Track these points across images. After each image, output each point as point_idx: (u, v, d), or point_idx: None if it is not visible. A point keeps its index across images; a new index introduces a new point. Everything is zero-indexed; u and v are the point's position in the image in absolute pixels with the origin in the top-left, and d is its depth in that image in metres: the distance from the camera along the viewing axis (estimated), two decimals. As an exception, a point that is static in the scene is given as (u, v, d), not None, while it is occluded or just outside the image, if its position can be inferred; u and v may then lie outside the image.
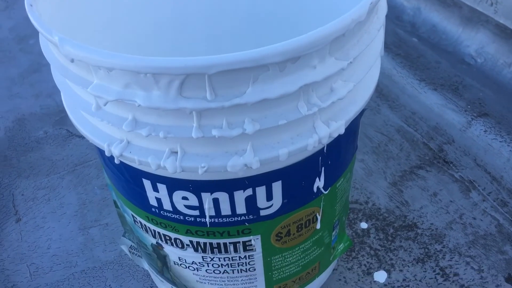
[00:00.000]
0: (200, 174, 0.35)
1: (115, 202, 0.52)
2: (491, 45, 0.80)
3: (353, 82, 0.36)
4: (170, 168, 0.35)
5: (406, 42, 0.88)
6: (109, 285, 0.58)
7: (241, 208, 0.40)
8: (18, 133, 0.80)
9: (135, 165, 0.37)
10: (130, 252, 0.55)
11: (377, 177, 0.67)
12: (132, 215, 0.45)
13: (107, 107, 0.35)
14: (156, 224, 0.43)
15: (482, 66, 0.80)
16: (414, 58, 0.85)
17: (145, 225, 0.45)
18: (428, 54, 0.86)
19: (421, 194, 0.65)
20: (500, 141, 0.69)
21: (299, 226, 0.44)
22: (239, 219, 0.41)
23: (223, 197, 0.38)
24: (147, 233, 0.46)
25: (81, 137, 0.79)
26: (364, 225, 0.62)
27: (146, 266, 0.55)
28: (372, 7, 0.33)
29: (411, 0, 0.92)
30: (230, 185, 0.38)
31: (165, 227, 0.43)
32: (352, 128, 0.41)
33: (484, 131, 0.71)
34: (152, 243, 0.47)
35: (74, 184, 0.71)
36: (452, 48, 0.85)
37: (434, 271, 0.57)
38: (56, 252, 0.62)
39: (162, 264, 0.49)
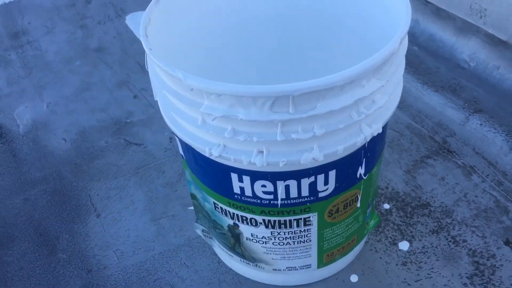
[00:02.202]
0: (280, 167, 0.47)
1: (192, 195, 0.64)
2: (482, 51, 0.92)
3: (388, 94, 0.48)
4: (258, 163, 0.47)
5: (408, 50, 1.00)
6: (184, 263, 0.70)
7: (305, 192, 0.52)
8: (82, 144, 0.92)
9: (229, 162, 0.49)
10: (203, 234, 0.67)
11: (393, 166, 0.80)
12: (214, 202, 0.57)
13: (208, 120, 0.47)
14: (236, 208, 0.55)
15: (475, 69, 0.93)
16: (416, 64, 0.97)
17: (225, 209, 0.57)
18: (428, 60, 0.98)
19: (431, 179, 0.77)
20: (494, 133, 0.81)
21: (345, 204, 0.56)
22: (303, 200, 0.53)
23: (292, 183, 0.50)
24: (226, 216, 0.58)
25: (138, 144, 0.90)
26: (386, 206, 0.74)
27: (216, 245, 0.67)
28: (401, 41, 0.45)
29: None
30: (299, 174, 0.49)
31: (243, 210, 0.55)
32: (384, 127, 0.53)
33: (480, 125, 0.83)
34: (229, 224, 0.59)
35: (139, 184, 0.82)
36: (448, 54, 0.97)
37: (447, 239, 0.69)
38: (135, 240, 0.74)
39: (235, 241, 0.61)
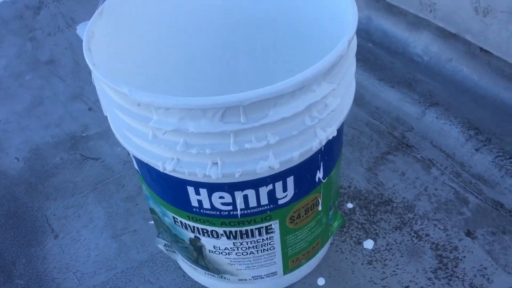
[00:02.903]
0: (236, 177, 0.46)
1: (152, 210, 0.62)
2: (434, 45, 0.94)
3: (340, 97, 0.47)
4: (214, 175, 0.45)
5: (363, 47, 1.01)
6: (148, 279, 0.68)
7: (264, 200, 0.51)
8: (36, 162, 0.89)
9: (184, 176, 0.48)
10: (165, 249, 0.66)
11: (355, 165, 0.80)
12: (173, 216, 0.56)
13: (159, 135, 0.45)
14: (196, 221, 0.54)
15: (428, 63, 0.94)
16: (371, 61, 0.98)
17: (185, 223, 0.55)
18: (382, 56, 0.99)
19: (392, 174, 0.78)
20: (450, 125, 0.82)
21: (306, 209, 0.55)
22: (262, 208, 0.52)
23: (251, 193, 0.49)
24: (187, 229, 0.56)
25: (95, 159, 0.88)
26: (350, 205, 0.74)
27: (179, 259, 0.65)
28: (349, 43, 0.45)
29: (363, 10, 1.05)
30: (256, 183, 0.48)
31: (203, 222, 0.54)
32: (339, 130, 0.53)
33: (436, 118, 0.84)
34: (190, 237, 0.57)
35: (98, 200, 0.80)
36: (402, 49, 0.98)
37: (410, 234, 0.69)
38: (96, 259, 0.71)
39: (198, 254, 0.60)
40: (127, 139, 0.49)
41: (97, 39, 0.50)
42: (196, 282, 0.67)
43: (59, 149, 0.91)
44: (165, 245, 0.65)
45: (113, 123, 0.52)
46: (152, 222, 0.75)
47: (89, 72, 1.10)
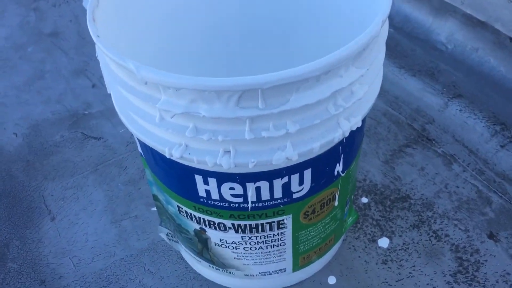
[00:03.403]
0: (250, 167, 0.42)
1: (155, 196, 0.58)
2: (460, 33, 0.89)
3: (368, 84, 0.43)
4: (225, 165, 0.42)
5: (384, 32, 0.96)
6: (148, 269, 0.64)
7: (278, 193, 0.47)
8: (35, 139, 0.85)
9: (193, 164, 0.44)
10: (167, 238, 0.62)
11: (371, 157, 0.76)
12: (178, 206, 0.52)
13: (167, 117, 0.41)
14: (202, 212, 0.50)
15: (453, 52, 0.89)
16: (392, 47, 0.93)
17: (190, 213, 0.51)
18: (403, 42, 0.94)
19: (410, 169, 0.74)
20: (474, 119, 0.78)
21: (322, 204, 0.51)
22: (275, 202, 0.48)
23: (264, 185, 0.46)
24: (192, 220, 0.52)
25: (97, 138, 0.84)
26: (365, 199, 0.70)
27: (182, 249, 0.62)
28: (383, 23, 0.40)
29: (385, -7, 1.00)
30: (271, 175, 0.45)
31: (210, 214, 0.50)
32: (363, 120, 0.49)
33: (460, 111, 0.80)
34: (195, 229, 0.54)
35: (98, 182, 0.76)
36: (424, 36, 0.93)
37: (428, 234, 0.66)
38: (94, 245, 0.68)
39: (203, 246, 0.56)
40: (132, 121, 0.46)
41: (102, 9, 0.46)
42: (199, 274, 0.63)
43: (59, 126, 0.87)
44: (167, 234, 0.62)
45: (117, 102, 0.48)
46: (155, 208, 0.71)
47: (95, 47, 1.06)
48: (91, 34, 0.42)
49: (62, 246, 0.68)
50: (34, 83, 0.97)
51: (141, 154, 0.54)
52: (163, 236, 0.62)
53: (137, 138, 0.50)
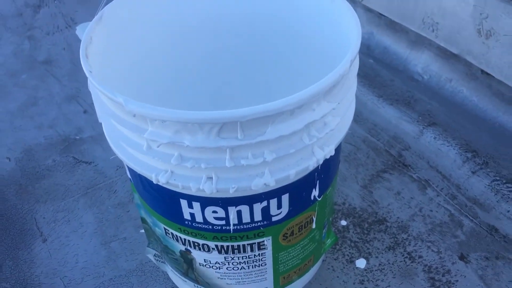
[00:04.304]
0: (231, 193, 0.45)
1: (143, 219, 0.61)
2: (435, 64, 0.94)
3: (340, 116, 0.47)
4: (207, 190, 0.45)
5: (364, 63, 1.01)
6: (136, 289, 0.67)
7: (258, 216, 0.50)
8: (28, 163, 0.88)
9: (178, 189, 0.47)
10: (155, 259, 0.65)
11: (350, 181, 0.79)
12: (165, 228, 0.55)
13: (154, 146, 0.45)
14: (187, 233, 0.53)
15: (428, 82, 0.94)
16: (371, 77, 0.98)
17: (176, 235, 0.54)
18: (383, 73, 0.99)
19: (387, 193, 0.77)
20: (447, 146, 0.82)
21: (300, 227, 0.55)
22: (256, 225, 0.51)
23: (245, 209, 0.49)
24: (177, 241, 0.55)
25: (88, 162, 0.87)
26: (343, 222, 0.73)
27: (169, 270, 0.65)
28: (351, 63, 0.44)
29: (365, 25, 1.05)
30: (250, 199, 0.48)
31: (195, 236, 0.53)
32: (337, 149, 0.52)
33: (434, 138, 0.84)
34: (180, 250, 0.57)
35: (89, 205, 0.79)
36: (402, 67, 0.98)
37: (403, 255, 0.69)
38: (84, 265, 0.70)
39: (188, 267, 0.59)
40: (121, 148, 0.49)
41: (95, 44, 0.50)
42: (185, 294, 0.66)
43: (51, 151, 0.90)
44: (155, 255, 0.64)
45: (107, 130, 0.51)
46: (143, 230, 0.74)
47: (87, 78, 1.09)
48: (84, 69, 0.46)
49: (53, 266, 0.70)
50: (27, 109, 1.00)
51: (130, 179, 0.57)
52: (151, 257, 0.64)
53: (126, 165, 0.53)
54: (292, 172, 0.45)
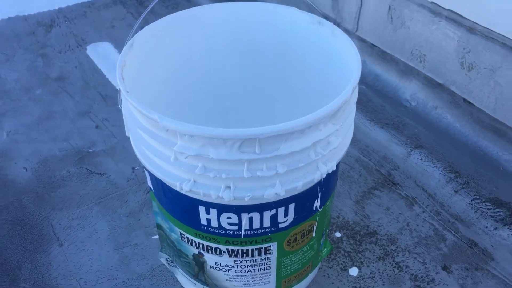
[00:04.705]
0: (246, 201, 0.51)
1: (158, 225, 0.67)
2: (421, 92, 1.01)
3: (341, 136, 0.54)
4: (226, 197, 0.51)
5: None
6: (147, 291, 0.72)
7: (267, 223, 0.56)
8: (44, 173, 0.93)
9: (199, 197, 0.53)
10: (167, 263, 0.70)
11: (344, 197, 0.86)
12: (181, 232, 0.60)
13: (180, 158, 0.50)
14: (202, 238, 0.58)
15: (415, 108, 1.01)
16: (364, 102, 1.05)
17: (192, 239, 0.60)
18: (374, 99, 1.06)
19: (377, 208, 0.84)
20: (432, 167, 0.89)
21: (302, 234, 0.60)
22: (264, 231, 0.57)
23: (256, 215, 0.55)
24: (192, 245, 0.61)
25: (100, 174, 0.92)
26: (338, 234, 0.79)
27: (179, 273, 0.70)
28: (353, 91, 0.51)
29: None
30: (262, 207, 0.54)
31: (209, 240, 0.58)
32: (337, 166, 0.59)
33: (420, 159, 0.91)
34: (193, 253, 0.62)
35: (102, 213, 0.84)
36: (392, 94, 1.06)
37: (392, 265, 0.75)
38: (98, 268, 0.75)
39: (199, 269, 0.64)
40: (148, 160, 0.54)
41: (128, 67, 0.56)
42: (193, 296, 0.71)
43: (66, 162, 0.95)
44: (167, 259, 0.70)
45: (135, 143, 0.57)
46: (155, 237, 0.79)
47: (98, 92, 1.16)
48: (122, 90, 0.52)
49: (69, 269, 0.75)
50: (42, 122, 1.05)
51: (150, 188, 0.62)
52: (163, 260, 0.69)
53: (149, 174, 0.59)
54: (300, 184, 0.52)
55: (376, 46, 1.09)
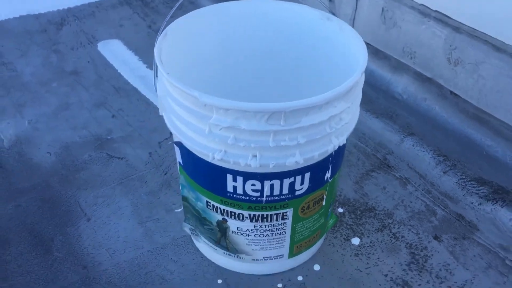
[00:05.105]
0: (270, 168, 0.59)
1: (184, 197, 0.73)
2: (412, 86, 1.10)
3: (351, 114, 0.61)
4: (253, 165, 0.58)
5: (353, 83, 1.17)
6: (171, 258, 0.79)
7: (285, 190, 0.63)
8: (67, 157, 0.99)
9: (228, 165, 0.60)
10: (190, 232, 0.77)
11: (345, 178, 0.93)
12: (207, 201, 0.67)
13: (215, 130, 0.58)
14: (227, 204, 0.66)
15: (407, 100, 1.10)
16: (359, 95, 1.13)
17: (217, 206, 0.67)
18: (369, 92, 1.14)
19: (375, 188, 0.92)
20: (423, 152, 0.98)
21: (314, 202, 0.68)
22: (283, 197, 0.64)
23: (277, 183, 0.62)
24: (217, 212, 0.68)
25: (120, 158, 0.99)
26: (340, 209, 0.87)
27: (201, 241, 0.77)
28: (362, 73, 0.59)
29: (354, 52, 1.21)
30: (282, 175, 0.61)
31: (233, 206, 0.66)
32: (346, 140, 0.66)
33: (412, 145, 0.99)
34: (218, 220, 0.69)
35: (124, 192, 0.91)
36: (385, 88, 1.14)
37: (389, 235, 0.83)
38: (125, 239, 0.82)
39: (221, 235, 0.71)
40: (183, 134, 0.61)
41: (164, 52, 0.63)
42: (213, 262, 0.78)
43: (87, 148, 1.01)
44: (190, 228, 0.77)
45: (170, 121, 0.64)
46: (177, 210, 0.86)
47: (111, 85, 1.23)
48: (162, 72, 0.59)
49: (98, 240, 0.81)
50: (61, 112, 1.12)
51: (179, 163, 0.69)
52: (187, 229, 0.76)
53: (180, 150, 0.66)
54: (316, 154, 0.59)
55: (370, 45, 1.18)
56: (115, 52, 1.35)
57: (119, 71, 1.26)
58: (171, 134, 1.01)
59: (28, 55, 1.33)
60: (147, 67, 1.28)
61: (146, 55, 1.32)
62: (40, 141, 1.03)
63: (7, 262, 0.78)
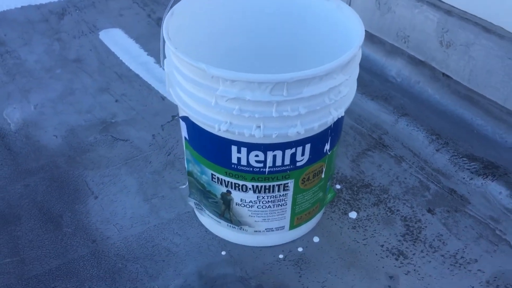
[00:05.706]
0: (273, 138, 0.61)
1: (189, 172, 0.75)
2: (406, 69, 1.12)
3: (349, 87, 0.64)
4: (257, 135, 0.60)
5: (348, 68, 1.19)
6: (176, 232, 0.81)
7: (287, 161, 0.65)
8: (73, 139, 1.01)
9: (233, 136, 0.62)
10: (195, 206, 0.79)
11: (342, 157, 0.96)
12: (212, 173, 0.69)
13: (221, 102, 0.60)
14: (232, 176, 0.68)
15: (401, 83, 1.12)
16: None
17: (221, 179, 0.69)
18: (364, 76, 1.17)
19: (371, 166, 0.94)
20: (417, 131, 1.00)
21: (314, 174, 0.70)
22: (285, 168, 0.66)
23: (279, 153, 0.64)
24: (221, 184, 0.70)
25: (124, 140, 1.01)
26: (338, 186, 0.89)
27: (205, 215, 0.79)
28: (359, 47, 0.61)
29: (349, 38, 1.23)
30: (284, 146, 0.63)
31: (237, 177, 0.68)
32: (344, 113, 0.69)
33: (406, 125, 1.02)
34: (222, 192, 0.71)
35: (130, 172, 0.93)
36: (380, 71, 1.16)
37: (385, 209, 0.85)
38: (132, 215, 0.84)
39: (225, 207, 0.74)
40: (190, 107, 0.64)
41: (171, 28, 0.65)
42: (217, 235, 0.80)
43: (92, 130, 1.03)
44: (194, 203, 0.79)
45: (176, 96, 0.66)
46: (183, 186, 0.88)
47: (114, 71, 1.24)
48: (170, 47, 0.61)
49: (106, 216, 0.83)
50: (65, 97, 1.13)
51: (185, 137, 0.71)
52: (192, 204, 0.79)
53: (186, 124, 0.68)
54: (316, 125, 0.61)
55: (365, 30, 1.20)
56: (116, 41, 1.36)
57: (120, 58, 1.28)
58: (173, 116, 1.04)
59: (31, 43, 1.34)
60: (148, 54, 1.29)
61: (147, 43, 1.34)
62: (46, 125, 1.04)
63: (18, 238, 0.80)
